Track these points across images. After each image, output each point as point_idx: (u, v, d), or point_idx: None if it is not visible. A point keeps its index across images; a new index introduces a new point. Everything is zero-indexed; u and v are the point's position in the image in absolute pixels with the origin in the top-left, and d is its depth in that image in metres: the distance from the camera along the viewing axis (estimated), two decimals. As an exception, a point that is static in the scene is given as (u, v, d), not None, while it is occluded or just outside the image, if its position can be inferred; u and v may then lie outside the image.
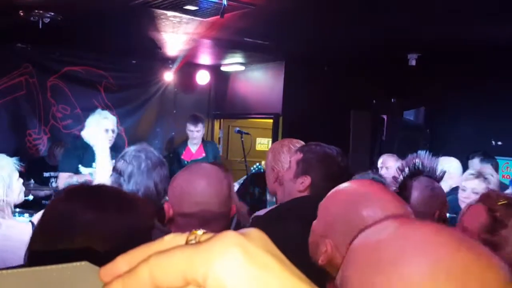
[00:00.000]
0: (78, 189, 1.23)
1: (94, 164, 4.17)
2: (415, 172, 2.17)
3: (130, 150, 2.38)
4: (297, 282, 0.39)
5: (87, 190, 1.22)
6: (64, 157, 4.46)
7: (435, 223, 0.75)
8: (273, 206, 2.18)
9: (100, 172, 4.04)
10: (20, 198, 2.43)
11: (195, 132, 5.53)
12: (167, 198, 1.92)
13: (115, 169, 2.32)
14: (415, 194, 2.09)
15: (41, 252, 1.05)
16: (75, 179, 4.00)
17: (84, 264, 0.48)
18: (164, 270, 0.39)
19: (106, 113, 4.28)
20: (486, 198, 1.67)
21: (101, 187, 1.25)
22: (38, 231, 1.14)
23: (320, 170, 1.95)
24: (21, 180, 2.45)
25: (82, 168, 4.19)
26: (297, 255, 1.12)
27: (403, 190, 2.09)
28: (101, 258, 0.44)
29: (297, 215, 1.78)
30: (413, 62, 5.36)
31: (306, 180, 1.94)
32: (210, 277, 0.38)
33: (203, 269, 0.38)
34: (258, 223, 1.92)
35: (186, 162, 5.47)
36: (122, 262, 0.42)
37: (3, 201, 2.27)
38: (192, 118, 5.67)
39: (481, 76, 5.28)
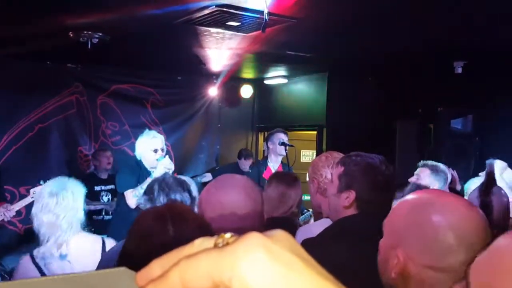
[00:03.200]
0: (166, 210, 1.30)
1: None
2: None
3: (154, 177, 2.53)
4: (321, 281, 0.40)
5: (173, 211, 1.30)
6: (121, 176, 4.40)
7: None
8: (325, 224, 2.10)
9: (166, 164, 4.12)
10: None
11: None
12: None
13: (145, 191, 2.43)
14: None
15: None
16: (139, 188, 4.00)
17: (123, 269, 0.50)
18: (193, 273, 0.40)
19: (154, 132, 4.34)
20: None
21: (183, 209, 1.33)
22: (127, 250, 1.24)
23: (364, 182, 1.86)
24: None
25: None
26: (359, 277, 1.12)
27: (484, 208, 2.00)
28: None
29: (349, 237, 1.74)
30: (459, 70, 5.22)
31: (351, 195, 1.86)
32: (235, 278, 0.39)
33: (229, 270, 0.39)
34: (310, 247, 1.86)
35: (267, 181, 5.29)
36: (156, 266, 0.43)
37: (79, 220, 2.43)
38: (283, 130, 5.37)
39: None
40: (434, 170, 3.76)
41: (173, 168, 4.16)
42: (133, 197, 3.99)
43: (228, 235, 0.43)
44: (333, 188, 1.94)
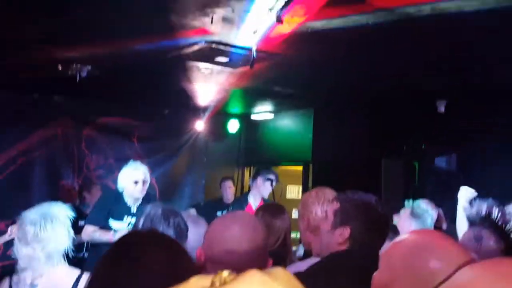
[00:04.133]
0: (118, 253, 1.24)
1: (125, 218, 4.20)
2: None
3: (146, 207, 2.50)
4: None
5: (129, 257, 1.22)
6: (94, 209, 4.41)
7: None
8: (314, 262, 2.08)
9: (126, 227, 4.12)
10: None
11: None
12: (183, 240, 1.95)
13: (133, 225, 2.44)
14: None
15: None
16: (97, 235, 4.04)
17: None
18: None
19: (137, 164, 4.33)
20: None
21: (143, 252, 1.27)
22: None
23: (360, 220, 1.87)
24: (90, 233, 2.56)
25: (112, 221, 4.17)
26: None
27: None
28: None
29: (341, 271, 1.73)
30: (442, 109, 5.35)
31: (345, 232, 1.86)
32: None
33: None
34: (301, 281, 1.84)
35: None
36: None
37: (65, 249, 2.38)
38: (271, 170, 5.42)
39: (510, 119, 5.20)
40: (414, 214, 3.72)
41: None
42: (90, 234, 4.02)
43: (225, 273, 0.43)
44: (327, 224, 1.94)
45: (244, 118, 7.72)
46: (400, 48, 3.84)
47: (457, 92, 5.14)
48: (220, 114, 7.37)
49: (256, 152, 7.76)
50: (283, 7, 2.92)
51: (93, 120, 6.55)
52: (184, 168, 7.36)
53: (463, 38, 3.51)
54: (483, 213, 2.15)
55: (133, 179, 4.18)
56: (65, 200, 6.18)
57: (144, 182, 4.22)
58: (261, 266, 1.57)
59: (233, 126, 7.65)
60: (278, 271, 0.42)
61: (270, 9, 2.98)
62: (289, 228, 3.09)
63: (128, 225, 4.18)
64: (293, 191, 8.06)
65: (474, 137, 5.51)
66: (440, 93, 5.29)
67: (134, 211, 4.22)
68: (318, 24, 3.28)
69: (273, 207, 3.17)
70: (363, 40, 3.65)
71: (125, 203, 4.22)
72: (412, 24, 3.19)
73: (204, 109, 6.97)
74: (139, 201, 4.25)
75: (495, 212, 2.13)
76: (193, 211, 6.53)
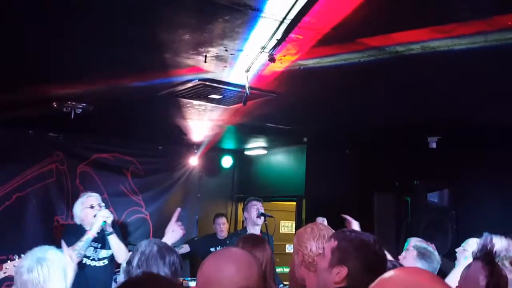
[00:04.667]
0: None
1: (93, 244, 4.31)
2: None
3: (140, 243, 2.49)
4: None
5: None
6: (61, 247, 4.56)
7: None
8: None
9: (92, 252, 4.27)
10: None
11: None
12: (180, 279, 1.93)
13: (127, 261, 2.42)
14: None
15: None
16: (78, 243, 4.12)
17: None
18: None
19: (87, 193, 4.55)
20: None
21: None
22: None
23: (357, 260, 1.85)
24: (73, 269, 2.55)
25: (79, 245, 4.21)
26: None
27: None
28: None
29: None
30: (434, 145, 5.40)
31: (343, 271, 1.84)
32: None
33: None
34: None
35: None
36: None
37: None
38: (257, 198, 5.39)
39: (504, 156, 5.26)
40: (421, 255, 3.55)
41: (111, 218, 4.29)
42: (73, 251, 4.02)
43: None
44: (325, 262, 1.92)
45: (238, 153, 7.75)
46: (391, 85, 3.91)
47: (448, 128, 5.20)
48: (214, 150, 7.41)
49: (249, 187, 7.77)
50: (275, 46, 2.99)
51: (87, 156, 6.57)
52: (178, 203, 7.30)
53: (453, 76, 3.58)
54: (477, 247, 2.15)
55: (88, 204, 4.38)
56: (58, 236, 6.20)
57: (99, 205, 4.40)
58: None
59: (227, 161, 7.67)
60: None
61: (263, 48, 3.05)
62: (270, 259, 3.06)
63: (94, 249, 4.32)
64: (287, 226, 8.02)
65: (465, 172, 5.56)
66: (431, 129, 5.36)
67: (97, 236, 4.29)
68: (310, 62, 3.34)
69: (253, 238, 3.15)
70: (354, 78, 3.72)
71: (86, 231, 4.29)
72: (402, 62, 3.25)
73: (198, 145, 7.01)
74: (100, 228, 4.30)
75: (486, 244, 2.13)
76: (186, 247, 6.50)
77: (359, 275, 1.81)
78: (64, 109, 4.66)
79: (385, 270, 1.92)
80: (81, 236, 4.26)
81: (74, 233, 4.35)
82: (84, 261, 4.26)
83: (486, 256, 2.08)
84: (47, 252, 2.46)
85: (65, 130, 6.27)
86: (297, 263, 2.32)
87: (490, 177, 5.46)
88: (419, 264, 3.51)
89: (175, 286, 1.31)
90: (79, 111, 4.69)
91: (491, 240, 2.15)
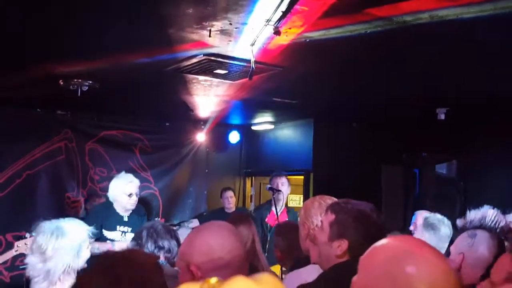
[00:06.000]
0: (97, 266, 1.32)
1: (118, 227, 4.34)
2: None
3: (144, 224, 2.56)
4: None
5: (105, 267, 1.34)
6: (87, 222, 4.56)
7: None
8: (314, 269, 2.07)
9: (120, 236, 4.30)
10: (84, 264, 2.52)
11: (280, 185, 5.34)
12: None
13: (133, 237, 2.47)
14: None
15: None
16: (96, 247, 4.10)
17: None
18: None
19: (130, 177, 4.49)
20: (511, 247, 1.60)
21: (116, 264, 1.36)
22: None
23: (357, 232, 1.85)
24: (90, 247, 2.58)
25: (105, 232, 4.32)
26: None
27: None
28: None
29: (345, 284, 1.74)
30: (442, 116, 5.35)
31: (343, 244, 1.84)
32: None
33: None
34: None
35: (269, 226, 5.27)
36: None
37: (69, 266, 2.37)
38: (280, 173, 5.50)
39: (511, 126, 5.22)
40: (428, 225, 3.54)
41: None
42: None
43: (213, 279, 0.44)
44: (324, 235, 1.92)
45: (245, 129, 7.75)
46: (399, 56, 3.86)
47: (457, 99, 5.15)
48: (221, 126, 7.41)
49: (257, 162, 7.79)
50: (280, 18, 2.94)
51: (95, 133, 6.62)
52: (186, 179, 7.38)
53: (463, 45, 3.52)
54: (478, 218, 2.15)
55: (127, 192, 4.37)
56: (70, 213, 6.30)
57: (136, 194, 4.43)
58: (246, 271, 1.61)
59: (234, 137, 7.68)
60: (265, 277, 0.44)
61: (267, 21, 3.01)
62: (255, 236, 3.10)
63: (122, 234, 4.30)
64: (295, 200, 8.06)
65: (474, 144, 5.52)
66: (440, 100, 5.31)
67: (126, 220, 4.39)
68: (316, 34, 3.30)
69: (238, 215, 3.20)
70: (361, 50, 3.67)
71: (117, 214, 4.35)
72: (410, 32, 3.20)
73: (205, 121, 7.01)
74: (130, 211, 4.42)
75: (491, 215, 2.14)
76: (196, 222, 6.57)
77: (360, 245, 1.81)
78: (71, 87, 4.67)
79: (384, 237, 1.93)
80: (114, 217, 4.31)
81: (108, 215, 4.37)
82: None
83: (492, 229, 2.09)
84: (66, 224, 2.47)
85: (73, 108, 6.31)
86: (302, 235, 2.34)
87: (498, 148, 5.43)
88: (426, 234, 3.53)
89: (154, 263, 1.34)
90: (85, 88, 4.69)
91: (494, 213, 2.16)
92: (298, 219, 2.54)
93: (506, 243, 2.09)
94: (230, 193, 6.54)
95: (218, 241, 1.61)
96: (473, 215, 2.21)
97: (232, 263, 1.56)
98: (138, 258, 1.42)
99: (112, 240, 4.27)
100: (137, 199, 4.47)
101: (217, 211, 6.58)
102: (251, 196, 7.87)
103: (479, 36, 3.29)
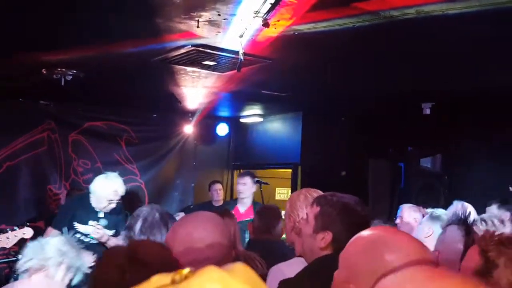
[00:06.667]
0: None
1: (90, 222, 4.29)
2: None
3: (140, 209, 2.47)
4: None
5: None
6: (59, 212, 4.58)
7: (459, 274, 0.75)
8: (298, 262, 2.07)
9: (97, 231, 4.24)
10: None
11: (241, 185, 5.40)
12: None
13: (127, 226, 2.42)
14: None
15: None
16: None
17: None
18: None
19: (118, 183, 4.40)
20: (480, 240, 1.60)
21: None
22: None
23: (341, 224, 1.85)
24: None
25: (77, 225, 4.27)
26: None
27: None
28: None
29: (327, 277, 1.74)
30: (428, 111, 5.39)
31: (327, 236, 1.85)
32: None
33: None
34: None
35: None
36: None
37: None
38: (242, 173, 5.67)
39: (495, 122, 5.27)
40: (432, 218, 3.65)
41: (103, 237, 4.23)
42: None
43: (186, 270, 0.43)
44: (309, 228, 1.92)
45: (233, 121, 7.72)
46: (385, 51, 3.87)
47: (442, 94, 5.18)
48: (209, 118, 7.37)
49: (245, 155, 7.77)
50: (269, 10, 2.93)
51: (79, 124, 6.52)
52: (173, 172, 7.34)
53: (447, 41, 3.54)
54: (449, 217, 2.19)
55: (113, 188, 4.29)
56: (52, 205, 6.22)
57: (121, 193, 4.36)
58: (227, 262, 1.60)
59: (222, 129, 7.65)
60: (237, 267, 0.43)
61: (256, 13, 2.99)
62: (236, 231, 3.14)
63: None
64: (283, 193, 8.08)
65: (459, 138, 5.57)
66: (425, 95, 5.33)
67: (102, 216, 4.33)
68: (305, 27, 3.29)
69: (219, 211, 3.21)
70: (349, 44, 3.67)
71: (92, 208, 4.29)
72: (397, 27, 3.21)
73: (193, 112, 6.97)
74: (107, 209, 4.34)
75: (459, 209, 2.18)
76: (182, 215, 6.54)
77: (344, 238, 1.82)
78: (54, 76, 4.60)
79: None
80: (89, 212, 4.26)
81: (83, 208, 4.32)
82: (81, 238, 4.24)
83: (460, 221, 2.12)
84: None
85: (56, 98, 6.20)
86: (288, 228, 2.35)
87: (482, 142, 5.48)
88: (434, 227, 3.56)
89: (165, 262, 1.32)
90: (69, 78, 4.62)
91: (463, 206, 2.20)
92: (283, 212, 2.54)
93: (474, 228, 2.13)
94: (219, 186, 6.52)
95: (200, 233, 1.61)
96: (446, 216, 2.27)
97: (213, 256, 1.55)
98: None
99: (82, 234, 4.22)
100: (118, 198, 4.42)
101: (205, 204, 6.55)
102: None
103: (465, 31, 3.31)
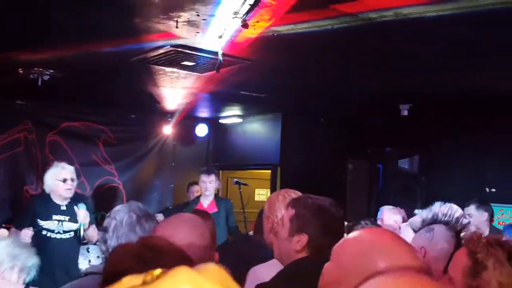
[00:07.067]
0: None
1: (54, 216, 4.30)
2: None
3: (115, 209, 2.40)
4: None
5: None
6: (20, 212, 4.64)
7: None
8: (275, 264, 2.07)
9: (56, 225, 4.24)
10: None
11: (208, 183, 5.44)
12: None
13: (102, 227, 2.35)
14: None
15: None
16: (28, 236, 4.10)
17: None
18: None
19: (63, 164, 4.45)
20: (468, 241, 1.62)
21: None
22: None
23: (316, 226, 1.85)
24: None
25: (41, 222, 4.26)
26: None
27: None
28: None
29: (303, 280, 1.74)
30: (405, 112, 5.46)
31: (303, 239, 1.84)
32: None
33: None
34: None
35: None
36: None
37: None
38: (205, 169, 5.71)
39: (473, 124, 5.36)
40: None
41: (88, 219, 4.23)
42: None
43: (157, 271, 0.43)
44: (285, 231, 1.92)
45: (213, 122, 7.70)
46: (364, 52, 3.90)
47: (420, 96, 5.25)
48: (188, 119, 7.33)
49: (225, 155, 7.76)
50: (248, 11, 2.93)
51: (56, 124, 6.43)
52: (152, 173, 7.28)
53: (424, 43, 3.59)
54: (431, 217, 2.20)
55: (60, 177, 4.29)
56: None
57: (72, 180, 4.34)
58: (209, 260, 1.61)
59: (201, 130, 7.62)
60: (209, 267, 0.42)
61: (235, 13, 2.98)
62: (213, 234, 3.14)
63: (58, 223, 4.25)
64: (262, 194, 8.09)
65: (436, 139, 5.65)
66: (403, 97, 5.40)
67: (64, 209, 4.32)
68: (284, 28, 3.30)
69: (199, 213, 3.20)
70: (328, 45, 3.69)
71: (54, 203, 4.29)
72: (375, 29, 3.24)
73: (172, 113, 6.93)
74: (68, 200, 4.34)
75: (442, 210, 2.19)
76: (160, 217, 6.49)
77: (319, 240, 1.83)
78: (31, 76, 4.53)
79: (343, 231, 1.95)
80: (50, 207, 4.23)
81: (43, 204, 4.32)
82: (47, 235, 4.23)
83: (450, 221, 2.14)
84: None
85: (33, 98, 6.10)
86: (266, 229, 2.34)
87: (459, 144, 5.57)
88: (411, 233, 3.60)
89: (181, 255, 1.30)
90: (46, 78, 4.56)
91: (451, 208, 2.21)
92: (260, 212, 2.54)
93: (462, 234, 2.14)
94: (196, 188, 6.49)
95: (178, 235, 1.60)
96: (425, 214, 2.25)
97: (193, 258, 1.54)
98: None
99: (48, 230, 4.19)
100: (75, 185, 4.39)
101: (183, 205, 6.51)
102: (218, 190, 7.83)
103: (443, 33, 3.36)
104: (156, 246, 1.27)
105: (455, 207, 2.34)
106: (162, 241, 1.34)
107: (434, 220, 2.19)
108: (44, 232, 4.20)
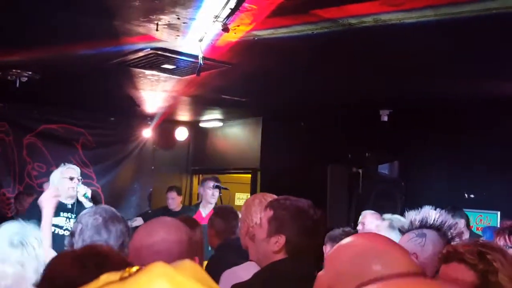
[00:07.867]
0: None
1: (62, 213, 4.27)
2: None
3: (83, 212, 2.37)
4: None
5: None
6: (28, 208, 4.54)
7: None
8: (251, 266, 2.07)
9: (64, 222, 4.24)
10: None
11: (215, 191, 5.37)
12: (126, 250, 1.93)
13: (70, 232, 2.32)
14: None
15: None
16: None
17: None
18: None
19: (70, 165, 4.45)
20: (461, 255, 1.61)
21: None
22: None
23: (294, 227, 1.86)
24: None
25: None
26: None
27: None
28: None
29: (280, 282, 1.74)
30: (385, 118, 5.52)
31: (281, 239, 1.85)
32: None
33: None
34: None
35: None
36: None
37: None
38: (216, 177, 5.64)
39: (452, 130, 5.44)
40: (392, 227, 3.64)
41: (90, 191, 4.26)
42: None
43: (134, 268, 0.43)
44: (262, 232, 1.92)
45: (193, 126, 7.67)
46: (344, 58, 3.93)
47: (400, 101, 5.31)
48: (168, 122, 7.30)
49: (205, 159, 7.74)
50: (229, 15, 2.93)
51: (34, 127, 6.35)
52: (130, 176, 7.23)
53: (404, 49, 3.63)
54: (419, 219, 2.20)
55: (68, 175, 4.27)
56: (5, 209, 6.00)
57: (78, 179, 4.33)
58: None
59: (181, 133, 7.58)
60: (185, 263, 0.43)
61: (216, 17, 2.98)
62: (201, 242, 3.14)
63: (66, 219, 4.27)
64: (242, 199, 8.07)
65: (415, 145, 5.72)
66: (383, 102, 5.46)
67: (70, 208, 4.31)
68: (264, 33, 3.31)
69: (189, 221, 3.19)
70: (309, 50, 3.71)
71: (60, 202, 4.25)
72: (355, 35, 3.27)
73: (152, 116, 6.88)
74: (74, 199, 4.32)
75: (434, 215, 2.19)
76: (140, 220, 6.43)
77: (297, 241, 1.84)
78: (9, 77, 4.47)
79: (321, 234, 1.96)
80: (57, 204, 4.22)
81: (31, 213, 4.25)
82: (55, 231, 4.20)
83: (442, 228, 2.15)
84: (29, 227, 2.30)
85: (11, 100, 6.02)
86: (242, 232, 2.34)
87: (438, 149, 5.64)
88: (391, 234, 3.59)
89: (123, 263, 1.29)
90: (24, 79, 4.50)
91: (442, 213, 2.22)
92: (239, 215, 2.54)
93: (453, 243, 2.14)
94: (172, 194, 6.41)
95: (157, 238, 1.60)
96: (412, 215, 2.25)
97: (172, 260, 1.54)
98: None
99: (56, 226, 4.19)
100: (79, 185, 4.39)
101: (162, 209, 6.47)
102: (198, 194, 7.80)
103: (421, 40, 3.41)
104: (100, 253, 1.28)
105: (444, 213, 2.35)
106: (105, 248, 1.36)
107: (424, 224, 2.19)
108: (52, 229, 4.19)
